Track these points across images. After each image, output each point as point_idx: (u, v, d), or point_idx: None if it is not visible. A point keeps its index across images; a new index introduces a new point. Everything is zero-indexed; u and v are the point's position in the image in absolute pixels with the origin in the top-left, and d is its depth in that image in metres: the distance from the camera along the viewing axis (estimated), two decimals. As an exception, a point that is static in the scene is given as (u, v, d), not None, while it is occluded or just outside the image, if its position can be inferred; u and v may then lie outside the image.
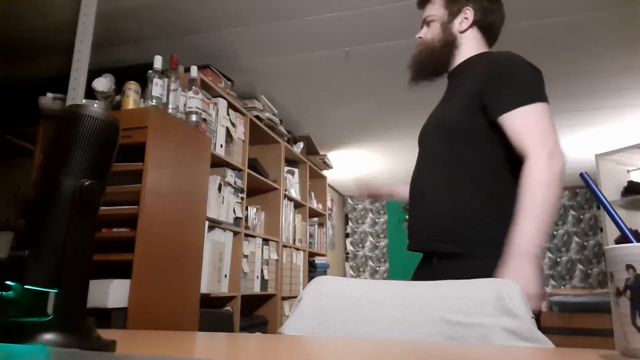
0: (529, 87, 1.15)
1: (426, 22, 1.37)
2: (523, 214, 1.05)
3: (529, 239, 1.03)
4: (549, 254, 5.61)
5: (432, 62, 1.35)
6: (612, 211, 0.55)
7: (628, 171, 3.73)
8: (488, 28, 1.35)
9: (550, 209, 1.04)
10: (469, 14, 1.32)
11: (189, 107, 2.05)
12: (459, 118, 1.20)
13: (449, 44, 1.32)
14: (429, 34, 1.35)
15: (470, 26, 1.32)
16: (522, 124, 1.11)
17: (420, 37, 1.38)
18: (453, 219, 1.16)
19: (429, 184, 1.25)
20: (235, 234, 2.55)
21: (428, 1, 1.38)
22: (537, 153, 1.08)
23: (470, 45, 1.33)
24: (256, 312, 2.91)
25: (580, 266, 5.49)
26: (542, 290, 1.03)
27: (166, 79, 1.95)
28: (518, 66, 1.18)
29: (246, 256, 2.65)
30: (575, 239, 5.58)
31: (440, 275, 0.98)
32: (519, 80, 1.16)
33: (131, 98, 1.86)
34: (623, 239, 0.54)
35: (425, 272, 1.21)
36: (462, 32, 1.33)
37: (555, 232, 5.66)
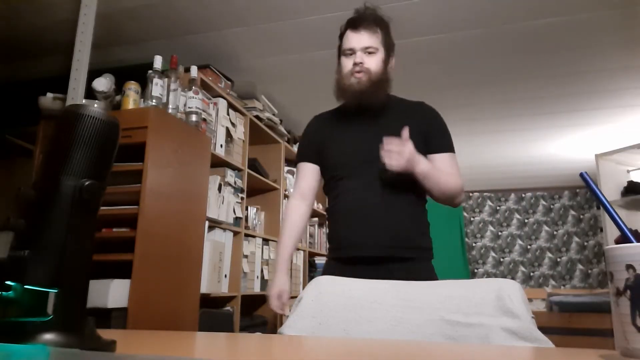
0: (451, 139, 1.50)
1: (366, 51, 1.43)
2: (446, 175, 1.41)
3: (432, 170, 1.36)
4: (549, 254, 5.61)
5: (379, 92, 1.44)
6: (612, 211, 0.55)
7: (628, 171, 3.73)
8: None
9: (440, 190, 1.39)
10: (392, 63, 1.52)
11: (189, 107, 2.05)
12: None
13: (388, 81, 1.48)
14: (374, 64, 1.43)
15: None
16: (449, 164, 1.45)
17: (362, 64, 1.42)
18: (411, 230, 1.41)
19: (385, 201, 1.40)
20: (235, 234, 2.55)
21: (370, 29, 1.44)
22: (460, 183, 1.45)
23: (389, 87, 1.51)
24: (256, 312, 2.91)
25: (580, 266, 5.49)
26: (410, 161, 1.31)
27: (166, 79, 1.95)
28: (444, 121, 1.51)
29: (246, 256, 2.65)
30: (575, 239, 5.58)
31: (397, 277, 1.20)
32: (447, 133, 1.50)
33: (131, 98, 1.86)
34: (623, 239, 0.54)
35: (375, 273, 1.33)
36: (390, 75, 1.50)
37: (555, 232, 5.66)
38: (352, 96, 1.43)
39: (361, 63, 1.41)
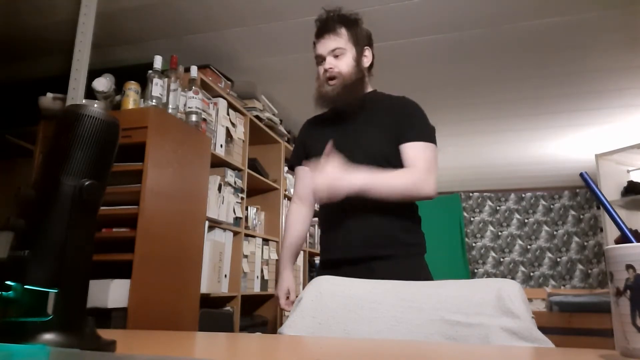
0: (429, 130, 1.44)
1: (334, 54, 1.44)
2: (388, 177, 1.33)
3: (373, 180, 1.30)
4: (549, 254, 5.61)
5: (352, 93, 1.44)
6: (612, 211, 0.55)
7: (628, 171, 3.73)
8: (371, 68, 1.53)
9: (388, 194, 1.32)
10: (368, 54, 1.50)
11: (189, 107, 2.05)
12: (386, 148, 1.42)
13: (362, 80, 1.48)
14: (344, 66, 1.44)
15: (369, 66, 1.51)
16: (418, 152, 1.39)
17: (332, 68, 1.43)
18: (388, 228, 1.39)
19: (358, 201, 1.36)
20: (235, 234, 2.55)
21: (333, 32, 1.45)
22: (422, 171, 1.36)
23: (367, 81, 1.52)
24: (256, 312, 2.91)
25: (580, 266, 5.49)
26: (337, 180, 1.25)
27: (166, 79, 1.95)
28: (423, 114, 1.46)
29: (246, 256, 2.65)
30: (575, 239, 5.58)
31: (380, 274, 1.20)
32: (424, 124, 1.44)
33: (131, 98, 1.86)
34: (623, 239, 0.54)
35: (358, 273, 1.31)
36: (366, 69, 1.50)
37: (555, 232, 5.66)
38: (327, 104, 1.47)
39: (331, 68, 1.43)
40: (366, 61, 1.50)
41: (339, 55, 1.44)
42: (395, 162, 1.42)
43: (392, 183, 1.33)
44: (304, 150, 1.60)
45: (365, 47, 1.50)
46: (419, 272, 1.39)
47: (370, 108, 1.48)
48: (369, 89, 1.54)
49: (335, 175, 1.25)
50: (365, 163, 1.41)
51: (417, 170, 1.36)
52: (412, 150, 1.40)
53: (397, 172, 1.36)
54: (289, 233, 1.61)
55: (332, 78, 1.44)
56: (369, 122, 1.46)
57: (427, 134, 1.42)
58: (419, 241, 1.45)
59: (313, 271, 3.76)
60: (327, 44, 1.45)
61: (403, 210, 1.43)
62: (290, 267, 1.59)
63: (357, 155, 1.43)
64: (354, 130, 1.47)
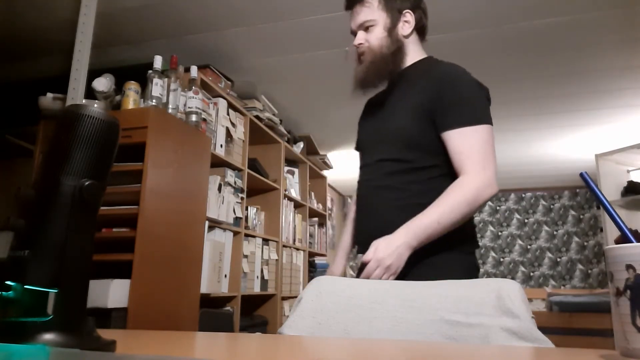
0: (476, 107, 1.18)
1: (364, 27, 1.29)
2: (434, 208, 1.10)
3: (420, 227, 1.09)
4: (549, 254, 5.61)
5: (384, 69, 1.27)
6: (612, 211, 0.55)
7: (628, 171, 3.73)
8: (422, 30, 1.35)
9: (452, 223, 1.10)
10: (409, 17, 1.31)
11: (189, 107, 2.05)
12: (413, 131, 1.21)
13: (399, 51, 1.29)
14: (374, 40, 1.27)
15: (413, 30, 1.31)
16: (465, 143, 1.15)
17: (361, 44, 1.29)
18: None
19: (379, 193, 1.24)
20: (235, 234, 2.55)
21: (359, 2, 1.29)
22: (476, 175, 1.12)
23: (413, 49, 1.32)
24: (256, 312, 2.91)
25: (580, 266, 5.49)
26: (397, 262, 1.08)
27: (166, 79, 1.95)
28: (468, 84, 1.20)
29: (246, 256, 2.65)
30: (575, 239, 5.58)
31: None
32: (468, 99, 1.18)
33: (131, 98, 1.86)
34: (623, 239, 0.54)
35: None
36: (406, 37, 1.31)
37: (555, 232, 5.66)
38: (361, 87, 1.33)
39: (360, 43, 1.29)
40: (407, 27, 1.30)
41: (370, 28, 1.28)
42: (429, 147, 1.19)
43: (444, 219, 1.09)
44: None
45: (406, 11, 1.30)
46: (441, 272, 1.12)
47: (406, 83, 1.29)
48: (420, 57, 1.33)
49: (386, 246, 1.08)
50: (392, 149, 1.24)
51: (467, 175, 1.13)
52: (455, 142, 1.15)
53: (445, 194, 1.12)
54: (346, 228, 1.47)
55: (362, 54, 1.28)
56: (400, 101, 1.27)
57: (469, 114, 1.16)
58: (449, 238, 1.14)
59: (313, 271, 3.76)
60: (356, 18, 1.29)
61: (428, 202, 1.18)
62: (343, 255, 1.44)
63: (384, 143, 1.27)
64: (384, 112, 1.31)
